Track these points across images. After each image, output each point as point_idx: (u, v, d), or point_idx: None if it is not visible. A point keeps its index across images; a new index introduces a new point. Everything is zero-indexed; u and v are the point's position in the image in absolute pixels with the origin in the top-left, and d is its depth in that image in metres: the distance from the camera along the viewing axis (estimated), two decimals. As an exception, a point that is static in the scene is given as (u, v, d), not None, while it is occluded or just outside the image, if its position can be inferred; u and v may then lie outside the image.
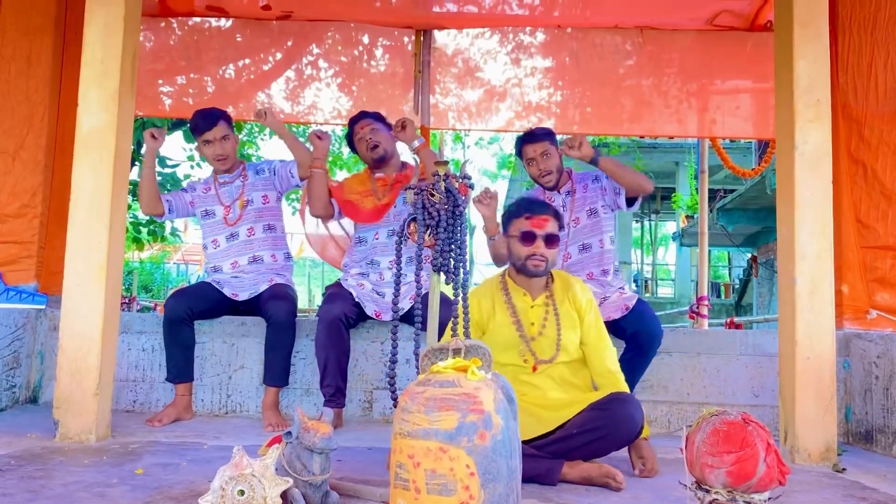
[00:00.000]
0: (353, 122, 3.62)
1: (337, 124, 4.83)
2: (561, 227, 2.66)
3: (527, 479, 2.08)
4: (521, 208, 2.63)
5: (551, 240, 2.57)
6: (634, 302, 3.24)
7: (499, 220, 3.03)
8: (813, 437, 2.76)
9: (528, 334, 2.59)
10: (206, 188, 3.64)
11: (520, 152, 3.54)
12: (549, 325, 2.60)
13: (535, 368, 2.57)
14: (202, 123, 3.50)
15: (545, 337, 2.59)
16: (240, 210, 3.56)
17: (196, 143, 3.65)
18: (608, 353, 2.63)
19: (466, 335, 2.04)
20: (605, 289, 3.38)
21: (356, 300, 3.36)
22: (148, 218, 9.35)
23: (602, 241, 3.46)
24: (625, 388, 2.57)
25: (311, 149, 3.51)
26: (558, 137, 3.56)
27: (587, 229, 3.47)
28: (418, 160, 3.45)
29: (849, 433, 3.30)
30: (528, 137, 3.47)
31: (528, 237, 2.56)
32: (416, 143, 3.45)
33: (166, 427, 3.16)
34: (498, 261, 3.48)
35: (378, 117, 3.62)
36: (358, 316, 3.38)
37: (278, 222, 3.67)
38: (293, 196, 11.82)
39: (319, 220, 4.11)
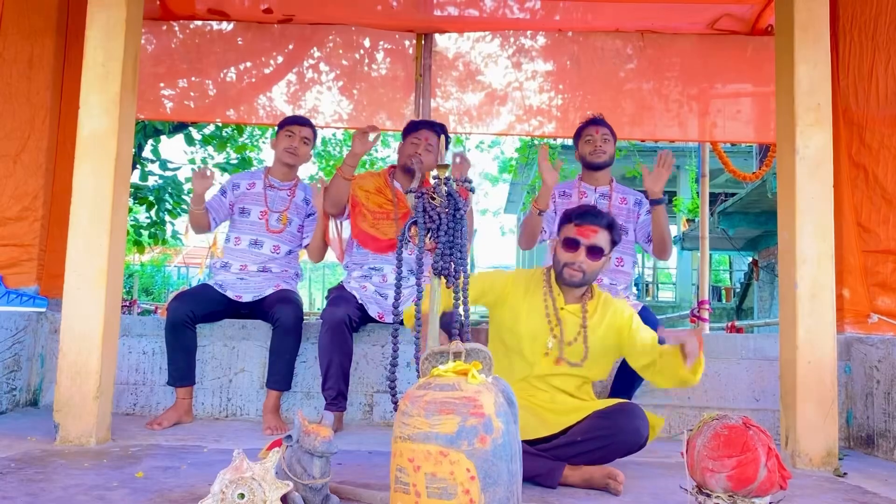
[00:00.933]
0: (424, 125, 3.56)
1: (338, 127, 4.84)
2: (615, 241, 2.58)
3: (527, 478, 2.07)
4: (574, 214, 2.57)
5: (594, 251, 2.51)
6: (640, 309, 3.26)
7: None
8: (814, 442, 2.76)
9: (563, 336, 2.55)
10: (250, 185, 3.62)
11: (579, 134, 3.55)
12: (580, 338, 2.56)
13: (558, 361, 2.54)
14: (295, 119, 3.60)
15: (577, 346, 2.55)
16: (281, 225, 3.56)
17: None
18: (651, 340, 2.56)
19: (467, 339, 2.04)
20: (611, 293, 3.39)
21: (360, 302, 3.36)
22: (149, 221, 9.35)
23: (622, 259, 3.46)
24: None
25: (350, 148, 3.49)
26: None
27: None
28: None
29: (850, 437, 3.30)
30: (594, 121, 3.52)
31: (570, 244, 2.52)
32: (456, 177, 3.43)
33: (166, 430, 3.16)
34: (530, 240, 3.46)
35: (437, 131, 3.53)
36: (361, 318, 3.38)
37: (298, 248, 3.69)
38: None
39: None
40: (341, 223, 3.82)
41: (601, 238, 2.52)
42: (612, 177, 3.60)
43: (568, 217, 2.58)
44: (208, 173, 3.44)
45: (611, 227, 2.55)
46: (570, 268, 2.52)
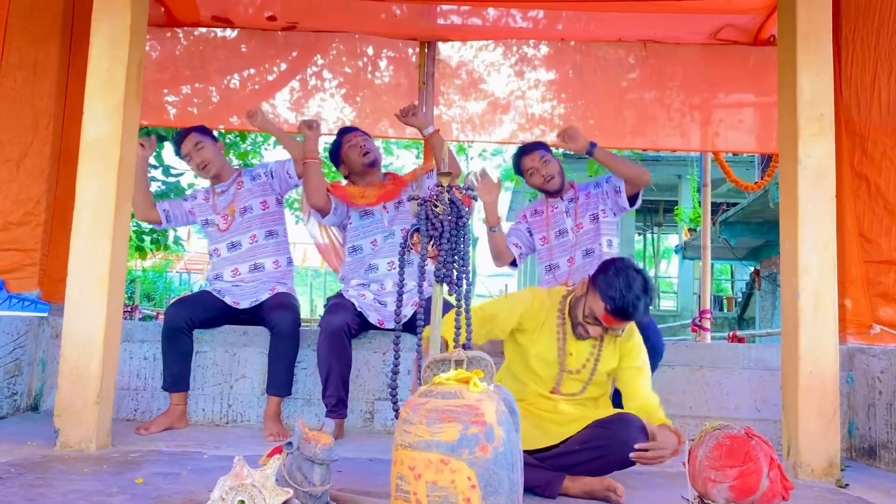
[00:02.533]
0: (344, 132, 3.67)
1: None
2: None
3: (527, 489, 2.07)
4: (614, 310, 2.40)
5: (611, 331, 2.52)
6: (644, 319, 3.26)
7: (501, 211, 3.02)
8: (816, 452, 2.75)
9: (566, 365, 2.56)
10: (205, 197, 3.66)
11: (518, 169, 3.59)
12: (587, 367, 2.57)
13: (553, 391, 2.57)
14: (176, 144, 3.58)
15: (580, 375, 2.57)
16: (231, 218, 3.56)
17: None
18: (643, 389, 2.57)
19: (468, 347, 2.04)
20: None
21: (358, 310, 3.36)
22: (151, 227, 9.36)
23: (601, 245, 3.49)
24: (657, 412, 2.47)
25: (301, 140, 3.51)
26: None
27: (590, 234, 3.50)
28: (425, 163, 3.47)
29: (852, 448, 3.28)
30: (523, 150, 3.55)
31: (596, 322, 2.47)
32: (430, 130, 3.49)
33: (166, 436, 3.16)
34: (498, 258, 3.50)
35: (365, 132, 3.69)
36: (360, 326, 3.38)
37: (280, 226, 3.66)
38: (296, 205, 11.83)
39: (322, 228, 4.11)
40: (333, 230, 3.84)
41: (624, 326, 2.52)
42: (571, 180, 3.65)
43: (607, 298, 2.40)
44: (144, 143, 3.41)
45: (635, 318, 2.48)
46: (582, 329, 2.51)
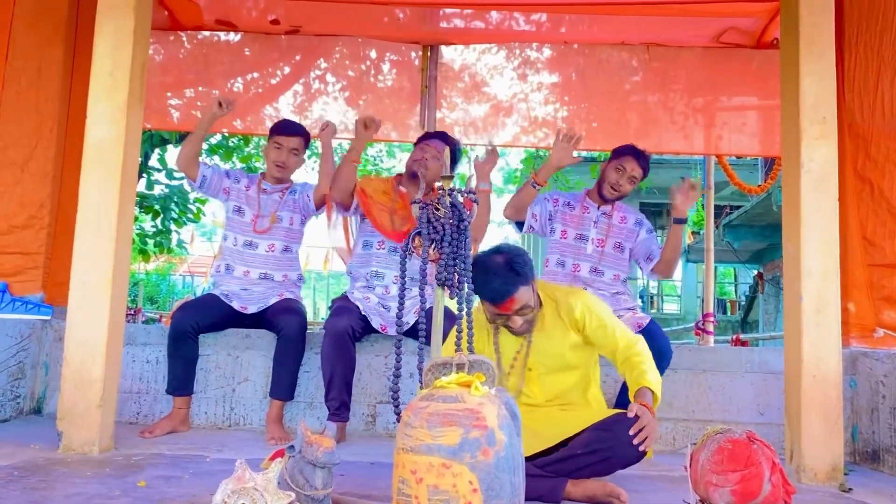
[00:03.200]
0: (435, 135, 3.59)
1: (344, 138, 4.86)
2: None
3: (530, 498, 2.06)
4: (484, 296, 2.43)
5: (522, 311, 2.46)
6: (647, 322, 3.27)
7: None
8: (819, 457, 2.74)
9: (503, 365, 2.55)
10: (248, 185, 3.64)
11: (619, 155, 3.54)
12: (519, 358, 2.55)
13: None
14: (284, 127, 3.58)
15: (515, 369, 2.55)
16: (269, 224, 3.56)
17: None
18: (621, 343, 2.53)
19: (470, 350, 2.03)
20: (615, 304, 3.39)
21: (363, 313, 3.36)
22: (154, 229, 9.37)
23: (617, 276, 3.55)
24: (646, 367, 2.45)
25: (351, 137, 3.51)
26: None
27: (608, 259, 3.55)
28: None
29: (855, 453, 3.27)
30: (638, 155, 3.51)
31: (497, 316, 2.46)
32: (485, 186, 3.45)
33: (169, 439, 3.16)
34: (515, 212, 3.57)
35: (448, 143, 3.42)
36: (364, 329, 3.38)
37: (296, 244, 3.69)
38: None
39: (345, 229, 4.05)
40: (350, 219, 3.80)
41: (515, 303, 2.43)
42: None
43: (483, 299, 2.46)
44: (225, 108, 3.40)
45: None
46: (505, 327, 2.51)
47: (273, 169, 3.59)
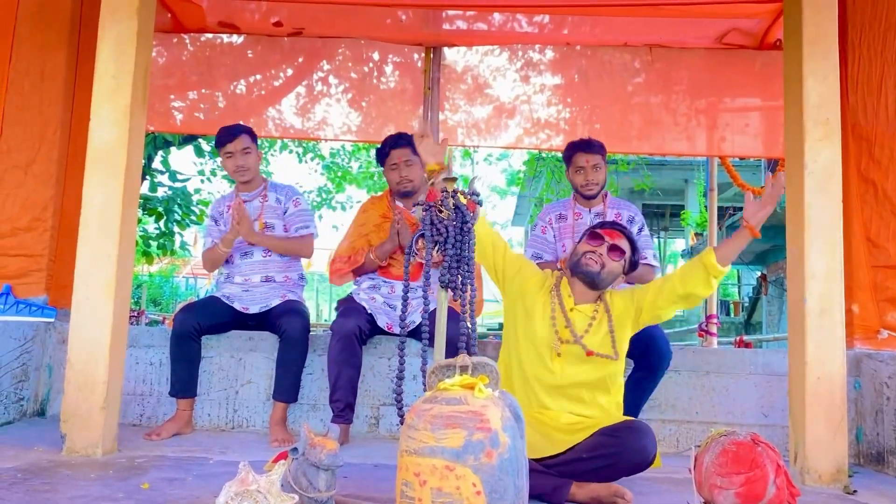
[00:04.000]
0: (391, 146, 3.51)
1: (346, 140, 4.87)
2: (634, 263, 2.65)
3: (533, 496, 2.06)
4: (601, 223, 2.71)
5: (616, 249, 2.57)
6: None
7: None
8: (823, 459, 2.73)
9: (561, 335, 2.54)
10: (228, 206, 3.64)
11: (569, 158, 3.53)
12: (600, 324, 2.57)
13: (588, 353, 2.52)
14: (224, 136, 3.54)
15: (592, 335, 2.56)
16: (258, 228, 3.54)
17: (215, 158, 3.66)
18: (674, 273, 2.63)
19: (474, 353, 2.03)
20: None
21: (369, 313, 3.36)
22: (158, 231, 9.39)
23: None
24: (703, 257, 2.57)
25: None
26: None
27: None
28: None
29: (860, 454, 3.27)
30: (585, 146, 3.47)
31: (594, 237, 2.59)
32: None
33: (172, 441, 3.16)
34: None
35: (403, 142, 3.49)
36: (371, 330, 3.37)
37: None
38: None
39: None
40: None
41: (623, 243, 2.60)
42: (607, 191, 3.62)
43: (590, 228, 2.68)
44: (239, 220, 3.38)
45: (633, 242, 2.64)
46: (589, 257, 2.55)
47: (238, 177, 3.59)
